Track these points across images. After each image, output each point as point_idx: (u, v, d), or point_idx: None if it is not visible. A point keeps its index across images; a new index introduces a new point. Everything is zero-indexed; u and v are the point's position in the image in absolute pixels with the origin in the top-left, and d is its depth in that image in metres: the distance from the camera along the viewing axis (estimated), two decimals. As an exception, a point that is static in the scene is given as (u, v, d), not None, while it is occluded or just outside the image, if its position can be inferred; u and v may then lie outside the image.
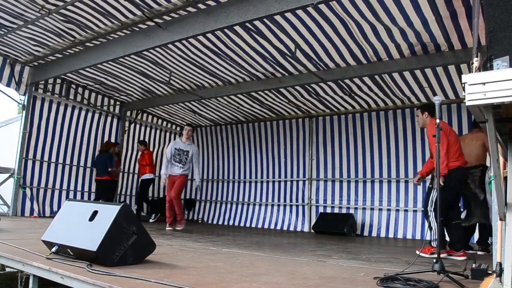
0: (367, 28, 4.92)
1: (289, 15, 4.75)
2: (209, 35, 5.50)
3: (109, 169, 8.02)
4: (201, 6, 4.78)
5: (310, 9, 4.52)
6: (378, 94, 7.24)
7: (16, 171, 7.17)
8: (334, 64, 6.08)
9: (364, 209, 7.85)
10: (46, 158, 7.73)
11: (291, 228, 8.56)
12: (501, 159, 2.14)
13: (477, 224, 4.99)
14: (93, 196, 8.51)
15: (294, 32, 5.26)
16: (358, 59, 5.83)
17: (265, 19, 4.73)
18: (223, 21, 4.63)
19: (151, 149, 9.58)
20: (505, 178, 2.06)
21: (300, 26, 5.12)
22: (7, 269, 4.00)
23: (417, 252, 4.07)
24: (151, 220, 8.48)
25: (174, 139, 10.74)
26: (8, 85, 7.23)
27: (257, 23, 4.98)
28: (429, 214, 4.07)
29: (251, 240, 5.64)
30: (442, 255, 4.02)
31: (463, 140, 4.78)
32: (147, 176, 8.57)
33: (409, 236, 7.17)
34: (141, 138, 9.68)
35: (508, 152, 1.97)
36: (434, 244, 3.89)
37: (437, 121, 2.87)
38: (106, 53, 5.97)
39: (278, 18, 4.83)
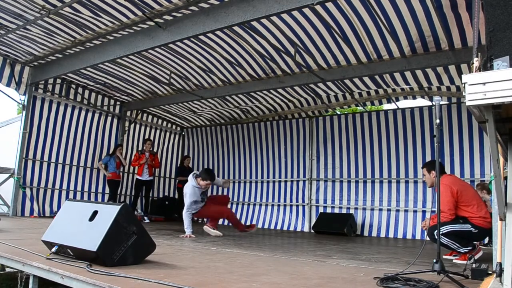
0: (367, 19, 4.88)
1: (290, 13, 4.76)
2: (209, 35, 5.50)
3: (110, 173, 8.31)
4: (201, 6, 4.78)
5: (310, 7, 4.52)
6: (379, 94, 7.25)
7: (16, 171, 7.17)
8: (335, 61, 6.06)
9: (364, 209, 7.84)
10: (46, 158, 7.73)
11: (291, 228, 8.56)
12: (501, 159, 2.14)
13: None
14: (92, 196, 8.52)
15: (295, 30, 5.27)
16: (358, 57, 5.82)
17: (266, 18, 4.73)
18: (223, 21, 4.63)
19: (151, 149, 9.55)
20: (505, 178, 2.06)
21: (301, 24, 5.14)
22: (7, 269, 3.99)
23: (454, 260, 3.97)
24: (146, 221, 8.39)
25: (174, 139, 10.74)
26: (8, 85, 7.22)
27: (257, 21, 4.99)
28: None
29: (251, 240, 5.64)
30: (446, 256, 4.05)
31: None
32: (151, 177, 8.69)
33: (409, 236, 7.17)
34: (141, 138, 9.68)
35: (508, 152, 1.97)
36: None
37: (437, 121, 2.86)
38: (106, 53, 5.97)
39: (279, 16, 4.84)
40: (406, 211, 7.36)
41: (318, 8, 4.63)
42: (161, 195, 10.15)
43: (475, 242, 3.94)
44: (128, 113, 9.40)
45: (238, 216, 9.43)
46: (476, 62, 1.64)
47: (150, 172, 8.54)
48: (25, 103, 7.39)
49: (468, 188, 4.11)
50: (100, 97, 8.72)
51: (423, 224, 4.21)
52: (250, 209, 9.37)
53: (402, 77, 6.35)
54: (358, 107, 8.55)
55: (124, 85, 8.07)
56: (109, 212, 2.68)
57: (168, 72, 7.09)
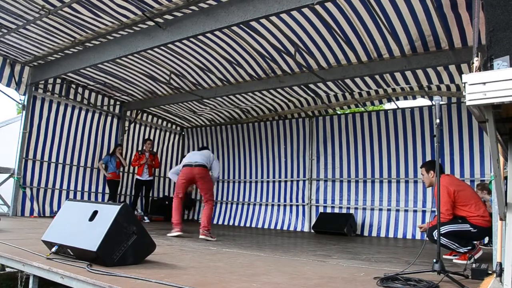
0: (367, 19, 4.86)
1: (290, 13, 4.75)
2: (209, 35, 5.50)
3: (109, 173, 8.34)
4: (201, 5, 4.78)
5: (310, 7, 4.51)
6: (379, 94, 7.24)
7: (16, 171, 7.17)
8: (335, 61, 6.05)
9: (364, 209, 7.84)
10: (46, 158, 7.73)
11: (291, 228, 8.56)
12: (501, 159, 2.14)
13: None
14: (92, 196, 8.53)
15: (295, 30, 5.27)
16: (358, 56, 5.81)
17: (265, 18, 4.73)
18: (223, 21, 4.63)
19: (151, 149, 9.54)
20: (505, 178, 2.06)
21: (301, 24, 5.13)
22: (7, 269, 3.99)
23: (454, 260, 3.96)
24: (146, 221, 8.36)
25: (174, 139, 10.75)
26: (8, 85, 7.22)
27: (257, 21, 4.98)
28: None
29: (251, 240, 5.64)
30: (446, 256, 4.05)
31: None
32: (151, 177, 8.70)
33: (409, 236, 7.17)
34: (141, 138, 9.68)
35: (508, 152, 1.97)
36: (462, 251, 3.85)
37: (437, 120, 2.86)
38: (106, 53, 5.97)
39: (278, 15, 4.83)
40: (406, 211, 7.36)
41: (318, 8, 4.63)
42: (161, 195, 10.15)
43: (474, 242, 3.94)
44: (128, 113, 9.40)
45: (238, 216, 9.46)
46: (476, 62, 1.64)
47: (150, 172, 8.54)
48: (25, 103, 7.38)
49: (466, 187, 4.12)
50: (100, 97, 8.71)
51: (422, 229, 4.17)
52: (250, 209, 9.37)
53: (403, 76, 6.35)
54: (357, 107, 8.54)
55: (124, 85, 8.07)
56: (109, 212, 2.68)
57: (168, 72, 7.09)
